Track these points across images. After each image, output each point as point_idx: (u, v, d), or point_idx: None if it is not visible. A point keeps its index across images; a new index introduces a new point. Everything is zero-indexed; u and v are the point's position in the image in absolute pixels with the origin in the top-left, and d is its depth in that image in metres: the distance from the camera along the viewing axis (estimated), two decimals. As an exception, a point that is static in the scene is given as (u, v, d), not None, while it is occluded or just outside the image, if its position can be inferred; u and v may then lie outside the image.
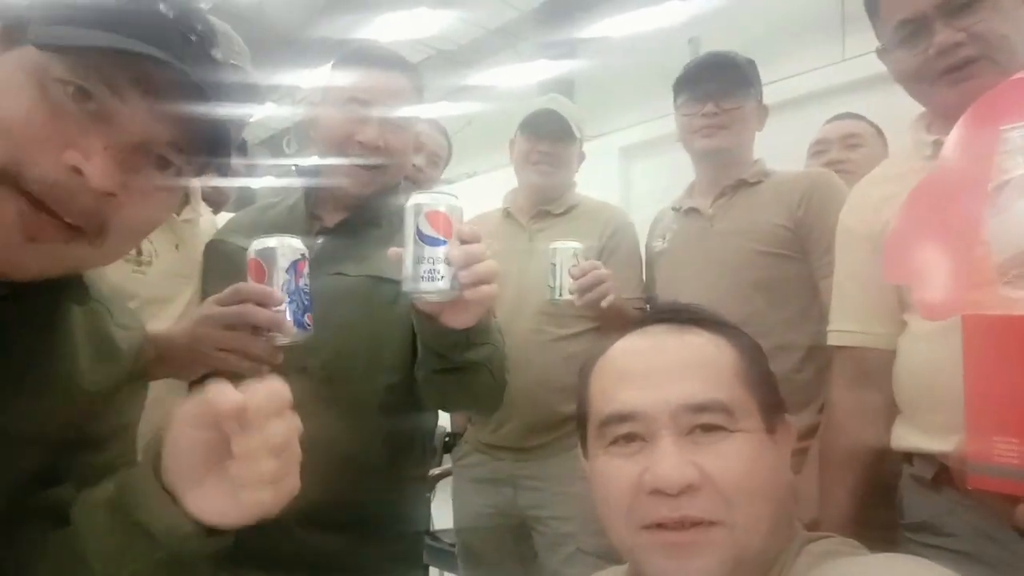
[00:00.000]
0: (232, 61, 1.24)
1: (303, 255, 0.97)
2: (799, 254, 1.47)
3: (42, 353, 0.64)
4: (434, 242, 0.83)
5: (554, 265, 1.44)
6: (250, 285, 0.94)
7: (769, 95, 1.69)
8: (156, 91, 0.57)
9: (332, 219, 1.24)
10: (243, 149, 1.37)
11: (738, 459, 0.65)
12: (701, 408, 0.66)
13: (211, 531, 0.55)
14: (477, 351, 0.98)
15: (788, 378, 1.42)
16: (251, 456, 0.53)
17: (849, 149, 1.91)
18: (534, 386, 1.62)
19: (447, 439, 2.12)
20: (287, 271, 0.94)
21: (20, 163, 0.52)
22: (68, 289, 0.64)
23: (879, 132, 1.97)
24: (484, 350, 0.99)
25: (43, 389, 0.63)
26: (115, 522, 0.56)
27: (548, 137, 1.76)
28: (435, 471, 2.46)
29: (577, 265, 1.43)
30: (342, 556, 1.13)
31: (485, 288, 0.85)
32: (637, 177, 4.16)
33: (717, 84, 1.55)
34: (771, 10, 3.96)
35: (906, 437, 1.10)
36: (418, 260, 0.82)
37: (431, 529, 2.74)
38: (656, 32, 4.57)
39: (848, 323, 1.20)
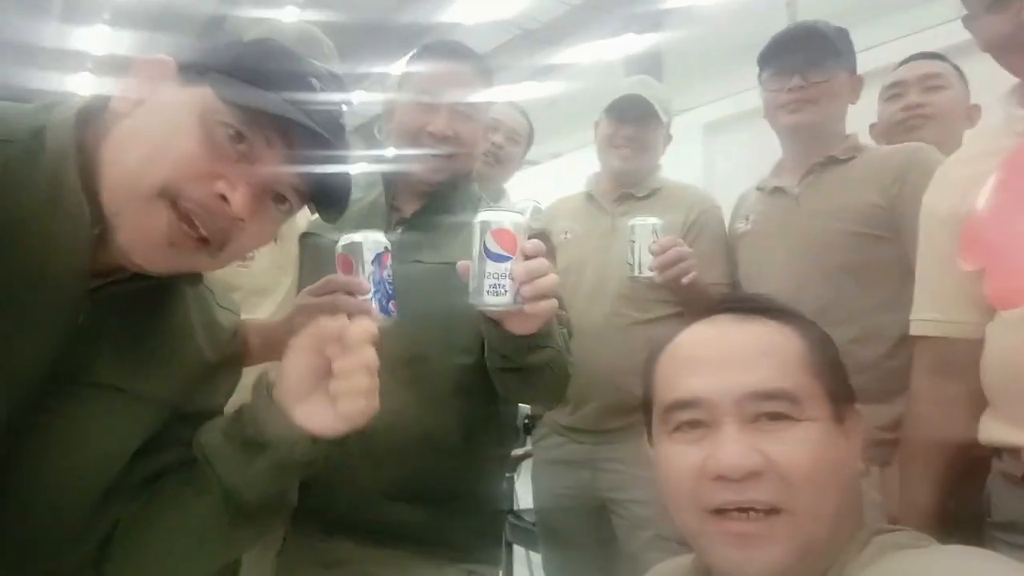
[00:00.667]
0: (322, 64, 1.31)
1: (386, 247, 1.06)
2: (893, 235, 1.38)
3: (164, 326, 0.76)
4: (499, 258, 0.89)
5: (633, 242, 1.43)
6: (340, 276, 1.04)
7: (873, 60, 1.58)
8: (295, 144, 0.70)
9: (409, 209, 1.31)
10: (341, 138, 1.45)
11: (803, 447, 0.65)
12: (766, 396, 0.66)
13: (315, 440, 0.69)
14: (538, 355, 1.04)
15: (879, 365, 1.36)
16: (350, 372, 0.68)
17: (929, 91, 1.72)
18: (613, 369, 1.62)
19: (527, 421, 2.16)
20: (372, 263, 1.04)
21: (180, 186, 0.64)
22: (185, 274, 0.76)
23: (960, 74, 1.77)
24: (545, 354, 1.04)
25: (166, 356, 0.75)
26: (234, 438, 0.70)
27: (633, 121, 1.74)
28: (518, 452, 2.50)
29: (656, 241, 1.41)
30: (425, 529, 1.19)
31: (544, 303, 0.91)
32: (720, 154, 4.01)
33: (804, 56, 1.47)
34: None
35: (994, 430, 1.04)
36: (484, 275, 0.89)
37: (515, 508, 2.79)
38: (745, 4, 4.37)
39: (931, 311, 1.13)
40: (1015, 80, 1.07)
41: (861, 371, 1.32)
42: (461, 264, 0.93)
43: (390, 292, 1.05)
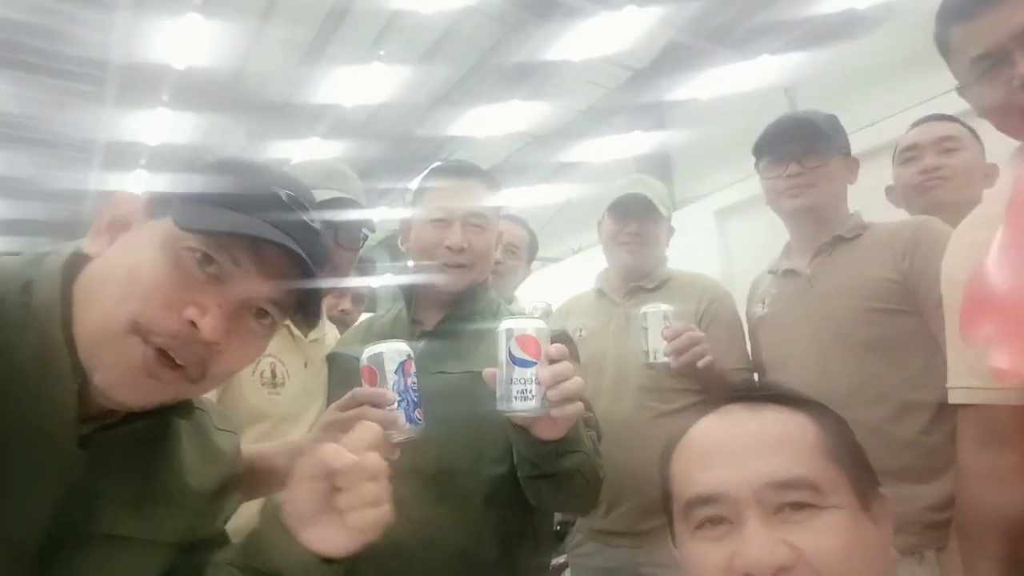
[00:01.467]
0: (349, 196, 1.41)
1: (409, 355, 1.08)
2: (911, 307, 1.37)
3: (158, 465, 0.74)
4: (524, 363, 0.92)
5: (646, 329, 1.43)
6: (365, 389, 1.05)
7: (874, 136, 1.61)
8: (266, 259, 0.69)
9: (431, 321, 1.34)
10: (361, 257, 1.50)
11: (833, 536, 0.63)
12: (786, 485, 0.65)
13: (327, 562, 0.68)
14: (568, 459, 1.04)
15: (917, 441, 1.31)
16: (354, 482, 0.66)
17: (945, 154, 1.70)
18: (643, 466, 1.55)
19: (559, 528, 2.08)
20: (395, 372, 1.05)
21: (150, 318, 0.63)
22: (175, 407, 0.74)
23: (974, 134, 1.75)
24: (575, 458, 1.04)
25: (164, 497, 0.73)
26: (246, 570, 0.68)
27: (635, 217, 1.78)
28: (558, 560, 2.41)
29: (669, 327, 1.41)
30: None
31: (571, 407, 0.93)
32: (734, 238, 4.06)
33: (797, 144, 1.51)
34: (865, 52, 3.84)
35: None
36: (511, 381, 0.92)
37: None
38: (748, 89, 4.54)
39: (969, 378, 1.08)
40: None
41: (901, 450, 1.30)
42: (488, 372, 0.95)
43: (416, 400, 1.06)
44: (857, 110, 3.86)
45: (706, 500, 0.68)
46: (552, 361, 0.92)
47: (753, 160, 1.60)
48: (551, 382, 0.91)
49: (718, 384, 1.47)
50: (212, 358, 0.67)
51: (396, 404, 1.02)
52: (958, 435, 1.13)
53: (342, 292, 1.93)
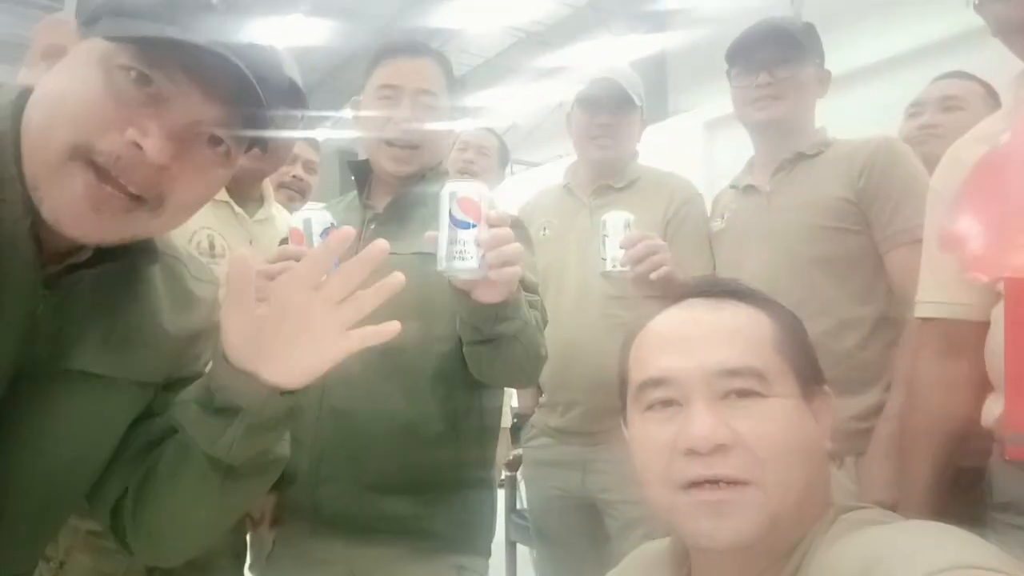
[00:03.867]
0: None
1: (332, 223, 1.15)
2: (862, 227, 1.39)
3: (128, 307, 0.74)
4: (465, 225, 0.94)
5: (605, 236, 1.42)
6: (292, 247, 1.11)
7: (881, 50, 1.56)
8: (205, 76, 0.64)
9: (381, 204, 1.35)
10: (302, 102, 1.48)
11: (771, 422, 0.67)
12: (734, 373, 0.68)
13: (284, 393, 0.67)
14: (508, 324, 1.07)
15: (853, 355, 1.36)
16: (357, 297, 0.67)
17: (945, 112, 1.75)
18: (603, 371, 1.59)
19: (515, 421, 2.17)
20: (320, 235, 1.12)
21: (89, 140, 0.60)
22: (141, 252, 0.73)
23: (990, 92, 1.77)
24: (514, 324, 1.07)
25: (135, 337, 0.73)
26: (206, 406, 0.67)
27: (607, 109, 1.72)
28: (518, 451, 2.52)
29: (627, 236, 1.40)
30: (412, 520, 1.21)
31: (509, 269, 0.96)
32: (721, 150, 4.02)
33: (770, 53, 1.47)
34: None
35: (995, 412, 1.03)
36: (451, 241, 0.94)
37: (518, 507, 2.80)
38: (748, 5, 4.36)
39: (938, 294, 1.13)
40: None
41: (835, 363, 1.32)
42: (429, 234, 0.97)
43: (336, 263, 1.12)
44: (866, 25, 3.73)
45: (658, 382, 0.71)
46: (492, 225, 0.95)
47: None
48: (490, 244, 0.93)
49: (678, 291, 1.48)
50: (166, 185, 0.64)
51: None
52: (918, 346, 1.19)
53: (292, 158, 1.89)
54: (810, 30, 1.53)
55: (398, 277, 0.70)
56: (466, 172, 2.13)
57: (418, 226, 1.23)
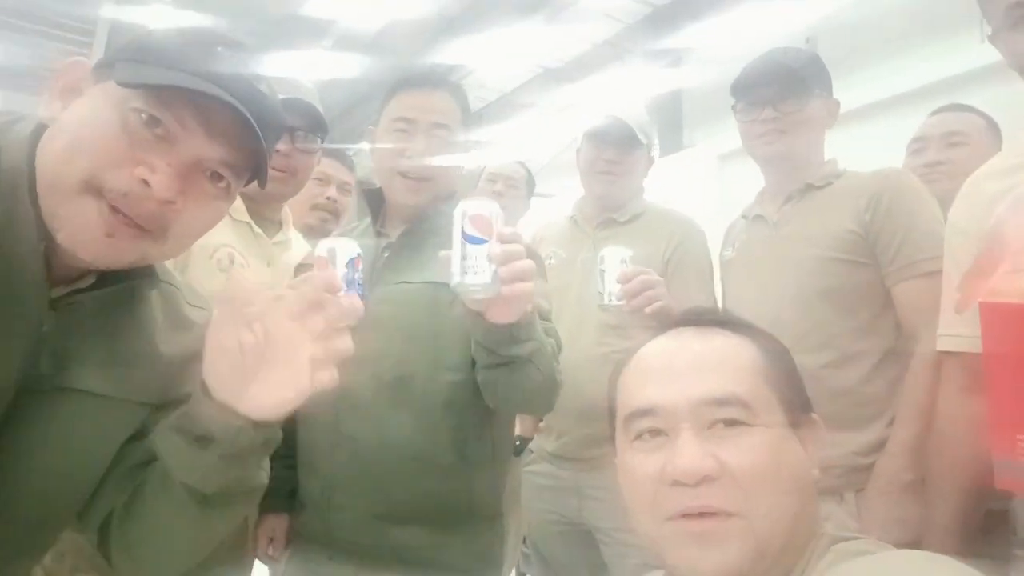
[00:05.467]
0: (303, 98, 1.43)
1: (359, 253, 1.16)
2: (870, 260, 1.38)
3: (128, 330, 0.77)
4: (476, 241, 0.95)
5: (603, 271, 1.45)
6: (316, 273, 1.09)
7: (896, 86, 1.57)
8: (212, 120, 0.70)
9: (395, 233, 1.36)
10: (321, 128, 1.52)
11: (757, 451, 0.67)
12: (720, 402, 0.69)
13: (258, 425, 0.67)
14: (521, 346, 1.06)
15: (856, 390, 1.35)
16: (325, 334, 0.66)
17: (950, 148, 1.76)
18: (597, 398, 1.60)
19: (517, 443, 2.16)
20: (347, 265, 1.13)
21: (101, 175, 0.66)
22: (141, 277, 0.78)
23: (990, 125, 1.79)
24: (528, 346, 1.07)
25: (133, 359, 0.77)
26: (184, 434, 0.68)
27: (613, 145, 1.76)
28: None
29: (623, 271, 1.43)
30: (423, 550, 1.21)
31: (521, 285, 0.95)
32: (735, 182, 4.04)
33: (774, 88, 1.48)
34: (896, 8, 3.72)
35: None
36: (463, 257, 0.95)
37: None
38: (769, 35, 4.40)
39: (961, 327, 1.11)
40: None
41: (837, 396, 1.33)
42: (443, 253, 0.98)
43: (361, 293, 1.14)
44: (879, 65, 3.76)
45: (645, 412, 0.72)
46: (504, 241, 0.95)
47: None
48: (502, 260, 0.93)
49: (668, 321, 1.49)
50: (170, 217, 0.69)
51: (343, 292, 1.09)
52: (942, 381, 1.18)
53: (326, 179, 1.92)
54: (815, 61, 1.53)
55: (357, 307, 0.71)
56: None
57: (430, 256, 1.24)
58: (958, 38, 3.20)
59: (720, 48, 4.86)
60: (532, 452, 1.87)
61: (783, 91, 1.47)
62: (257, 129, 0.71)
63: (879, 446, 1.31)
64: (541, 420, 1.86)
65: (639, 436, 0.72)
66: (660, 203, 1.87)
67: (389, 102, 1.37)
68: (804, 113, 1.48)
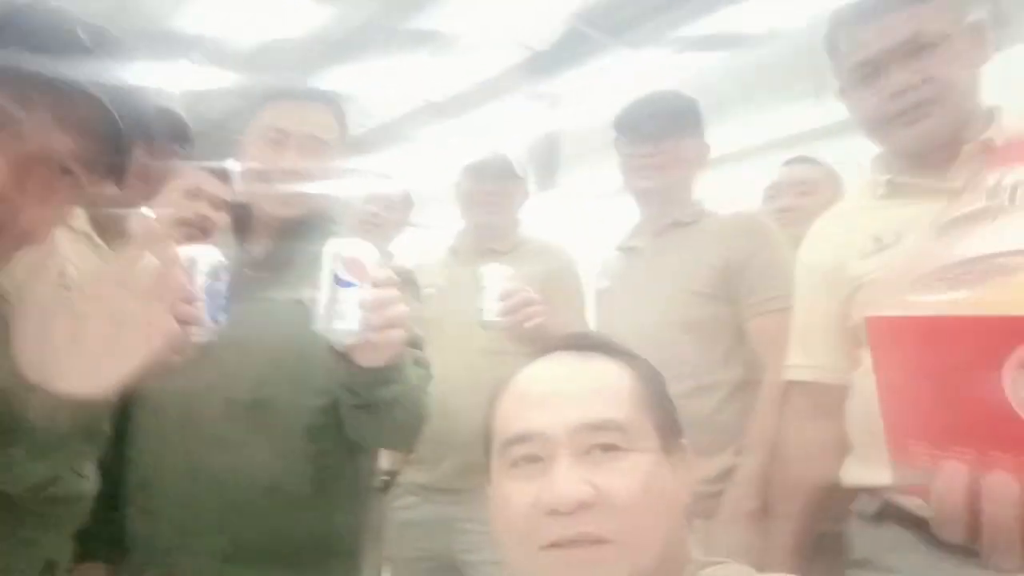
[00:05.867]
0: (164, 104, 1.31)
1: (222, 263, 1.03)
2: (728, 295, 1.46)
3: None
4: (347, 284, 0.89)
5: (484, 288, 1.45)
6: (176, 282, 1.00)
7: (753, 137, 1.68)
8: (65, 108, 0.62)
9: (260, 247, 1.28)
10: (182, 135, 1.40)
11: (633, 477, 0.66)
12: (597, 427, 0.68)
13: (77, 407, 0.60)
14: (388, 389, 1.01)
15: (709, 419, 1.41)
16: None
17: (800, 196, 1.96)
18: (472, 426, 1.57)
19: (386, 478, 2.09)
20: (208, 273, 1.00)
21: None
22: None
23: (833, 175, 2.02)
24: (394, 389, 1.02)
25: None
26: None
27: (492, 178, 1.79)
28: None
29: (504, 288, 1.43)
30: None
31: (392, 333, 0.91)
32: (608, 222, 4.26)
33: (655, 125, 1.55)
34: (744, 62, 4.06)
35: (856, 473, 1.11)
36: (333, 301, 0.89)
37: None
38: (644, 88, 4.67)
39: (806, 358, 1.20)
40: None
41: (690, 425, 1.36)
42: (309, 295, 0.92)
43: (223, 305, 1.01)
44: (747, 121, 4.09)
45: (522, 438, 0.70)
46: (378, 286, 0.91)
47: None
48: (374, 306, 0.89)
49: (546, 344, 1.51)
50: (5, 214, 0.62)
51: (203, 303, 0.97)
52: (786, 408, 1.25)
53: (197, 193, 1.71)
54: (693, 106, 1.63)
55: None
56: (370, 224, 2.13)
57: (298, 273, 1.18)
58: (810, 97, 3.51)
59: (595, 95, 5.12)
60: (399, 486, 1.80)
61: (663, 130, 1.55)
62: (118, 118, 0.63)
63: (728, 474, 1.37)
64: (411, 452, 1.78)
65: (515, 463, 0.71)
66: (537, 235, 1.91)
67: (262, 111, 1.30)
68: (680, 152, 1.56)
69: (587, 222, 4.46)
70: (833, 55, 1.19)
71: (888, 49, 1.06)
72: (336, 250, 0.91)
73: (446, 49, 5.39)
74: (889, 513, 1.03)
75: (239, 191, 1.35)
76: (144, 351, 0.59)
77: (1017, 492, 0.49)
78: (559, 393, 0.72)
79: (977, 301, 0.53)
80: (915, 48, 1.04)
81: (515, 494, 0.69)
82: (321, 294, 0.90)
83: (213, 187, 1.83)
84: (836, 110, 1.26)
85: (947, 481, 0.51)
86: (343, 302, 0.89)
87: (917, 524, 0.98)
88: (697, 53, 4.66)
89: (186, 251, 1.02)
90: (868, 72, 1.09)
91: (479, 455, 1.56)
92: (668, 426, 0.74)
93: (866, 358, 1.07)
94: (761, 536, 1.27)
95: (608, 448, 0.68)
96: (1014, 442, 0.49)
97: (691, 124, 1.60)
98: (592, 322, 1.73)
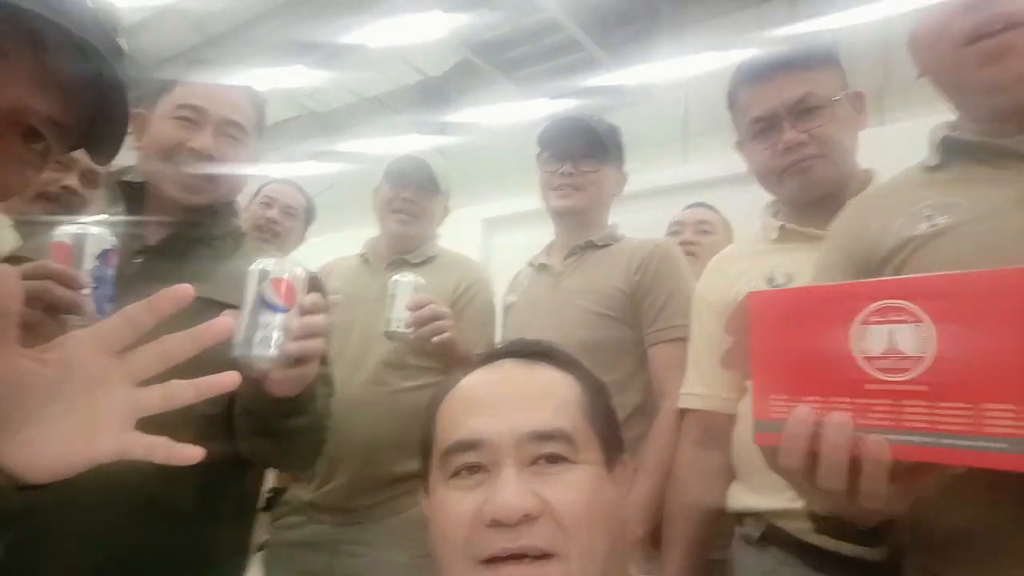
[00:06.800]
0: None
1: (113, 245, 0.95)
2: (632, 320, 1.49)
3: None
4: (276, 309, 0.83)
5: (393, 296, 1.41)
6: (55, 264, 0.88)
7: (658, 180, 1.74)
8: (44, 57, 0.52)
9: (156, 236, 1.16)
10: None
11: (578, 490, 0.65)
12: (546, 437, 0.67)
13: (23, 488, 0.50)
14: (295, 420, 0.96)
15: None
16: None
17: (700, 234, 2.13)
18: (368, 441, 1.53)
19: (270, 495, 1.95)
20: (97, 257, 0.92)
21: None
22: None
23: (727, 223, 2.22)
24: (303, 420, 0.97)
25: None
26: None
27: (412, 186, 1.75)
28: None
29: (415, 298, 1.40)
30: None
31: (312, 365, 0.87)
32: (498, 249, 4.30)
33: (577, 145, 1.59)
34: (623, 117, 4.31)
35: (741, 498, 1.16)
36: (256, 325, 0.83)
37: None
38: (525, 124, 4.81)
39: (700, 387, 1.26)
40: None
41: None
42: (227, 316, 0.81)
43: (111, 294, 0.93)
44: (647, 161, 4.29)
45: (467, 446, 0.68)
46: (305, 312, 0.85)
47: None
48: (301, 334, 0.84)
49: (456, 362, 1.47)
50: None
51: (90, 290, 0.90)
52: (680, 435, 1.29)
53: (68, 164, 1.55)
54: (616, 133, 1.69)
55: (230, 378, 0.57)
56: (267, 230, 2.02)
57: (197, 267, 1.10)
58: (714, 147, 3.69)
59: (481, 126, 5.21)
60: (285, 504, 1.68)
61: (585, 150, 1.60)
62: (118, 77, 0.54)
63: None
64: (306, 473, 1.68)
65: (457, 472, 0.68)
66: (452, 250, 1.88)
67: (173, 87, 1.20)
68: (599, 175, 1.61)
69: (477, 248, 4.54)
70: (733, 109, 1.29)
71: (781, 107, 1.17)
72: (266, 268, 0.85)
73: (332, 61, 5.28)
74: (772, 537, 1.10)
75: (138, 171, 1.23)
76: (121, 444, 0.53)
77: (850, 427, 0.56)
78: (507, 400, 0.70)
79: None
80: (804, 109, 1.17)
81: (455, 505, 0.66)
82: (243, 315, 0.84)
83: (88, 160, 1.64)
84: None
85: (795, 424, 0.59)
86: (267, 327, 0.83)
87: (799, 547, 1.05)
88: (580, 102, 4.90)
89: (72, 229, 0.93)
90: (763, 127, 1.20)
91: (371, 471, 1.52)
92: (612, 440, 0.74)
93: (751, 388, 1.17)
94: (649, 561, 1.30)
95: (554, 459, 0.67)
96: (852, 388, 0.57)
97: (613, 151, 1.65)
98: (498, 336, 1.72)
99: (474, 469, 0.67)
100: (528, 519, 0.62)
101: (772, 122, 1.19)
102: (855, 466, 0.56)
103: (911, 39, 0.89)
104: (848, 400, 0.57)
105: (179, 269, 1.09)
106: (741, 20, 3.52)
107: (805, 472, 0.59)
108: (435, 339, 1.39)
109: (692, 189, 3.09)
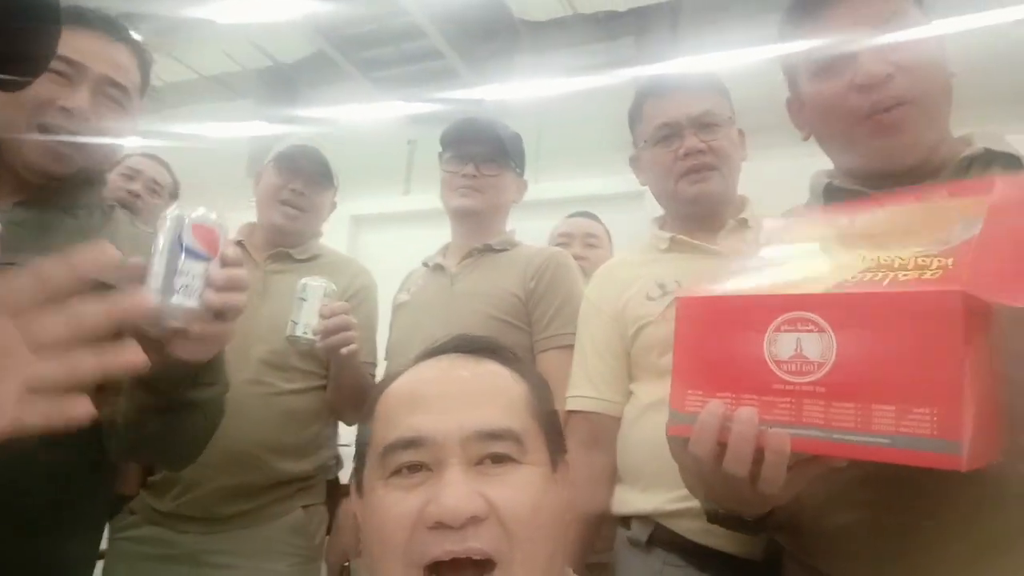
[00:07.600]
0: None
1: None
2: (525, 325, 1.51)
3: None
4: (198, 256, 0.76)
5: (303, 300, 1.35)
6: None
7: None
8: None
9: (7, 202, 1.01)
10: None
11: (525, 492, 0.64)
12: (494, 436, 0.65)
13: None
14: (203, 391, 0.87)
15: None
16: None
17: (588, 247, 2.20)
18: (243, 444, 1.43)
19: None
20: None
21: None
22: None
23: (609, 235, 2.33)
24: (210, 391, 0.89)
25: None
26: None
27: (303, 177, 1.64)
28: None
29: (328, 305, 1.36)
30: None
31: (230, 324, 0.80)
32: (364, 247, 4.21)
33: (481, 148, 1.60)
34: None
35: (629, 501, 1.19)
36: (175, 272, 0.75)
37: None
38: (374, 127, 4.75)
39: (586, 389, 1.28)
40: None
41: None
42: (134, 260, 0.75)
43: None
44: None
45: (409, 443, 0.64)
46: (227, 264, 0.78)
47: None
48: (224, 286, 0.77)
49: (349, 372, 1.46)
50: None
51: None
52: (567, 437, 1.33)
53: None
54: (518, 140, 1.70)
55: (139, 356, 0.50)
56: (128, 205, 1.82)
57: (60, 239, 0.98)
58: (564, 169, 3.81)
59: (334, 123, 5.08)
60: (134, 513, 1.52)
61: (488, 154, 1.61)
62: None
63: None
64: (151, 474, 1.53)
65: (397, 471, 0.65)
66: (337, 250, 1.81)
67: None
68: (500, 180, 1.63)
69: (344, 242, 4.37)
70: (636, 123, 1.40)
71: (685, 117, 1.30)
72: (181, 214, 0.78)
73: (172, 35, 4.89)
74: (660, 539, 1.14)
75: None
76: (16, 417, 0.46)
77: (755, 419, 0.62)
78: (453, 397, 0.67)
79: (755, 286, 0.70)
80: (704, 123, 1.30)
81: (395, 505, 0.63)
82: (157, 263, 0.75)
83: None
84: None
85: (708, 415, 0.64)
86: (187, 275, 0.75)
87: (685, 549, 1.11)
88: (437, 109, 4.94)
89: None
90: (667, 134, 1.32)
91: (241, 476, 1.44)
92: (555, 440, 0.72)
93: (639, 392, 1.22)
94: None
95: (500, 459, 0.65)
96: (761, 387, 0.63)
97: (515, 157, 1.67)
98: (386, 335, 1.69)
99: (415, 468, 0.64)
100: (474, 521, 0.60)
101: (675, 129, 1.30)
102: (758, 456, 0.62)
103: (789, 105, 1.01)
104: (756, 397, 0.64)
105: (33, 238, 0.98)
106: (592, 51, 3.68)
107: (712, 459, 0.64)
108: (344, 350, 1.35)
109: (544, 207, 3.21)
